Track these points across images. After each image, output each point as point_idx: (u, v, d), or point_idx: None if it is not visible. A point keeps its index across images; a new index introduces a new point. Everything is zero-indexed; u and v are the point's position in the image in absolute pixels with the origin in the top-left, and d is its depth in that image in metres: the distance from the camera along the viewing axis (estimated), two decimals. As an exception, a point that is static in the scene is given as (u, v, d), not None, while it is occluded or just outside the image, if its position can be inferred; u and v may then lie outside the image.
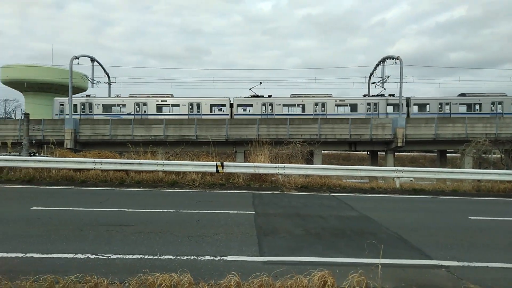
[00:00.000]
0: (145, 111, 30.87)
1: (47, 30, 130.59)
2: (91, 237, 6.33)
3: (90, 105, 31.16)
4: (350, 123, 27.54)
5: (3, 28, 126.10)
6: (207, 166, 13.57)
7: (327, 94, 32.64)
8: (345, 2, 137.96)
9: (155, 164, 13.52)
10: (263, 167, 13.63)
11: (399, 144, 26.97)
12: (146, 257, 5.31)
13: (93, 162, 13.43)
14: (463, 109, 32.47)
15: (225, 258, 5.35)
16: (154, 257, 5.30)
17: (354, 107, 32.16)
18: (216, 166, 13.45)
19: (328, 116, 30.54)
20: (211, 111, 31.53)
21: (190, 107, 31.16)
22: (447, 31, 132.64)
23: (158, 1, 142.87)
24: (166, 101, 31.51)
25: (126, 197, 10.70)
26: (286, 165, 14.06)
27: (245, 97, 32.33)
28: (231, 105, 31.64)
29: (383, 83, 32.38)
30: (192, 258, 5.32)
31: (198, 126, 27.13)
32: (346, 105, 32.64)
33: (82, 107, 31.02)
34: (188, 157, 15.93)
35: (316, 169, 14.70)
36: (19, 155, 15.96)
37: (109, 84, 33.27)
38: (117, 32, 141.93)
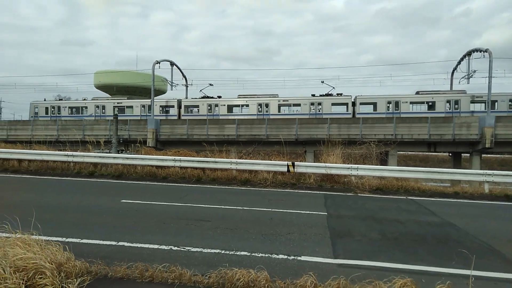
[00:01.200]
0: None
1: (133, 38, 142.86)
2: (173, 230, 6.79)
3: (59, 108, 34.98)
4: (429, 122, 25.68)
5: (96, 38, 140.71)
6: (278, 165, 13.70)
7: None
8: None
9: (229, 162, 14.02)
10: (335, 167, 13.35)
11: (487, 145, 24.43)
12: (223, 252, 5.54)
13: (173, 160, 14.37)
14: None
15: (299, 258, 5.37)
16: (231, 253, 5.51)
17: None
18: (287, 165, 13.51)
19: (402, 115, 28.79)
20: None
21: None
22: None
23: (232, 5, 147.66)
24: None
25: (203, 193, 11.25)
26: (359, 166, 13.60)
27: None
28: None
29: (468, 78, 29.59)
30: (267, 256, 5.42)
31: (268, 126, 27.48)
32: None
33: (52, 109, 35.20)
34: (260, 156, 16.24)
35: (392, 171, 13.98)
36: (109, 152, 17.70)
37: (186, 86, 35.25)
38: (194, 36, 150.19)
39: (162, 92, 44.85)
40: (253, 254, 5.47)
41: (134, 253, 5.39)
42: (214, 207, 9.02)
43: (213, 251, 5.57)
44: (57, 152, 15.93)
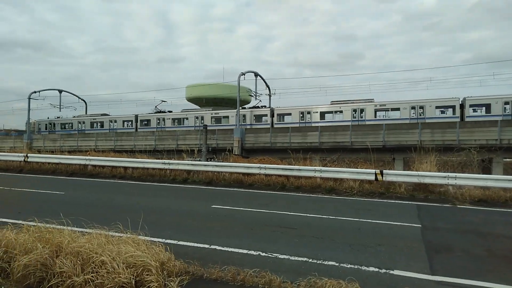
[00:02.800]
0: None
1: (220, 52, 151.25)
2: (260, 236, 6.98)
3: (53, 124, 42.21)
4: (546, 125, 22.23)
5: (188, 54, 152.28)
6: (365, 173, 13.19)
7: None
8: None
9: (313, 170, 13.93)
10: (429, 176, 12.38)
11: None
12: (310, 260, 5.53)
13: (258, 168, 14.79)
14: None
15: (391, 271, 5.10)
16: (318, 262, 5.47)
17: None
18: (375, 173, 12.94)
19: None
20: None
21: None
22: None
23: (314, 12, 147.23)
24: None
25: (287, 201, 11.35)
26: (457, 174, 12.41)
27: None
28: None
29: None
30: (356, 267, 5.27)
31: (353, 132, 26.61)
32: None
33: (50, 125, 42.18)
34: (345, 164, 15.83)
35: (499, 181, 12.43)
36: (199, 160, 18.92)
37: (270, 96, 36.04)
38: (276, 46, 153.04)
39: (247, 102, 46.50)
40: (342, 264, 5.35)
41: (225, 256, 5.67)
42: (299, 214, 9.04)
43: (300, 259, 5.59)
44: (156, 160, 17.56)
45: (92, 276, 4.00)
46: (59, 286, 4.04)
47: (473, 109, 27.35)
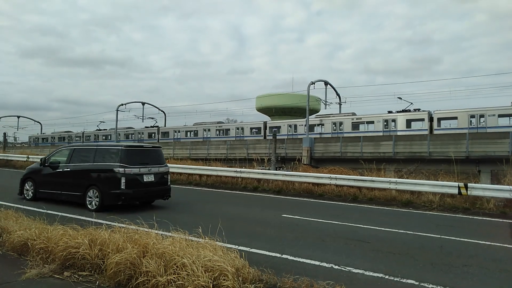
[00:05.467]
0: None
1: (290, 62, 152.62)
2: (332, 248, 6.84)
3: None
4: None
5: (258, 65, 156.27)
6: (447, 186, 12.22)
7: None
8: None
9: (387, 182, 13.29)
10: (525, 191, 11.05)
11: None
12: (386, 277, 5.28)
13: (328, 178, 14.53)
14: None
15: (481, 296, 4.66)
16: (395, 279, 5.20)
17: None
18: (458, 187, 11.92)
19: None
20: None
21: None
22: None
23: (389, 17, 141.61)
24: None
25: (360, 213, 10.96)
26: (560, 190, 10.90)
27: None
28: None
29: None
30: (438, 287, 4.90)
31: (431, 142, 24.85)
32: None
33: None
34: (423, 175, 14.82)
35: None
36: (269, 169, 19.15)
37: (340, 104, 35.35)
38: (348, 54, 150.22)
39: (316, 111, 46.11)
40: (422, 284, 5.02)
41: (297, 266, 5.66)
42: (373, 228, 8.67)
43: (376, 274, 5.36)
44: (228, 168, 18.20)
45: (174, 277, 4.28)
46: (145, 284, 4.38)
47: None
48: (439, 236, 7.94)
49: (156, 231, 5.54)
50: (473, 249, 6.96)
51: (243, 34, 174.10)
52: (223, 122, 42.82)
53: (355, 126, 32.16)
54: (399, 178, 14.02)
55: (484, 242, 7.43)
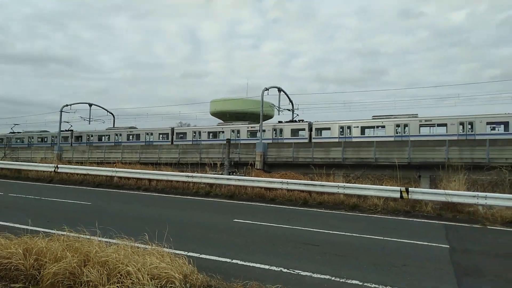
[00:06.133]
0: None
1: (245, 68, 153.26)
2: (282, 252, 6.93)
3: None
4: None
5: (214, 70, 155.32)
6: (390, 190, 12.91)
7: None
8: None
9: (336, 186, 13.76)
10: (458, 195, 11.97)
11: None
12: (333, 278, 5.44)
13: (280, 182, 14.75)
14: None
15: (418, 293, 4.95)
16: (341, 280, 5.38)
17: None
18: (400, 191, 12.64)
19: None
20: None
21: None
22: None
23: (340, 29, 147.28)
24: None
25: (310, 217, 11.24)
26: (488, 194, 11.95)
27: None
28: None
29: None
30: (381, 287, 5.14)
31: (378, 149, 26.18)
32: None
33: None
34: (369, 180, 15.55)
35: (533, 201, 11.87)
36: (222, 174, 19.06)
37: (293, 111, 36.12)
38: (302, 62, 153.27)
39: (269, 117, 46.70)
40: (365, 284, 5.24)
41: (247, 271, 5.66)
42: (322, 231, 8.93)
43: (322, 276, 5.51)
44: (179, 173, 17.83)
45: (117, 286, 4.08)
46: (85, 295, 4.14)
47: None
48: (382, 237, 8.35)
49: (99, 239, 5.28)
50: (412, 249, 7.41)
51: (199, 38, 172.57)
52: (135, 127, 43.08)
53: (253, 133, 34.50)
54: (347, 183, 14.58)
55: (421, 243, 7.93)
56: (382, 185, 14.00)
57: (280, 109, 34.69)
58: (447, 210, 11.96)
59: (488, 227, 10.27)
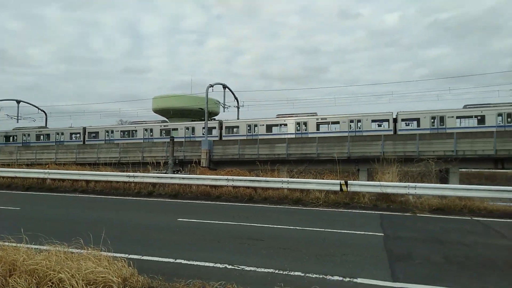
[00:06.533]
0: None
1: (190, 64, 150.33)
2: (227, 249, 6.93)
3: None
4: (495, 137, 23.83)
5: (156, 65, 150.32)
6: (331, 184, 13.48)
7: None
8: (483, 2, 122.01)
9: (280, 181, 14.06)
10: (391, 186, 12.84)
11: None
12: (276, 271, 5.55)
13: (226, 179, 14.73)
14: None
15: (355, 280, 5.22)
16: (284, 272, 5.50)
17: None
18: (340, 184, 13.25)
19: (447, 131, 27.02)
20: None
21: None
22: None
23: (284, 27, 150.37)
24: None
25: (255, 212, 11.37)
26: (417, 184, 12.96)
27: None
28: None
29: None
30: (321, 277, 5.34)
31: (319, 144, 27.20)
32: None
33: None
34: (311, 175, 16.09)
35: (455, 190, 13.12)
36: (166, 173, 18.59)
37: (238, 108, 36.25)
38: (247, 59, 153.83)
39: (215, 114, 46.39)
40: (307, 274, 5.41)
41: (191, 270, 5.58)
42: (267, 226, 9.08)
43: (267, 270, 5.60)
44: (120, 173, 17.06)
45: (48, 295, 3.81)
46: (12, 307, 3.81)
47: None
48: (323, 229, 8.69)
49: (28, 246, 4.87)
50: (350, 239, 7.80)
51: (140, 33, 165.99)
52: (45, 127, 41.78)
53: (167, 132, 35.24)
54: (290, 177, 14.98)
55: (359, 232, 8.39)
56: (323, 179, 14.57)
57: (226, 106, 34.67)
58: (382, 200, 12.77)
59: (418, 214, 11.14)
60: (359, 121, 30.18)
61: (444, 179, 20.99)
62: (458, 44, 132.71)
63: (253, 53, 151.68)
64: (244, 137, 31.59)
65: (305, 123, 31.43)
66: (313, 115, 31.77)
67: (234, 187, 14.44)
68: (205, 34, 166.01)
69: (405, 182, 13.45)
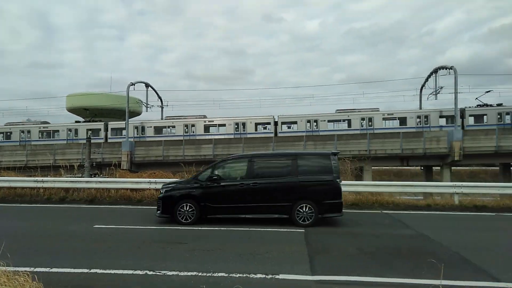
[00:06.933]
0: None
1: (109, 60, 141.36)
2: (148, 254, 6.62)
3: None
4: (402, 137, 26.52)
5: (71, 61, 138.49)
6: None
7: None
8: (393, 14, 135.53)
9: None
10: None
11: (456, 158, 25.44)
12: (200, 274, 5.44)
13: (148, 182, 14.10)
14: None
15: (277, 276, 5.34)
16: (208, 274, 5.42)
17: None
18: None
19: (375, 131, 29.69)
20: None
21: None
22: (503, 36, 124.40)
23: (209, 27, 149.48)
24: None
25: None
26: (335, 182, 13.77)
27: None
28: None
29: (436, 94, 30.99)
30: (245, 276, 5.37)
31: (245, 145, 27.59)
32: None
33: None
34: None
35: (367, 186, 14.25)
36: (81, 176, 17.22)
37: (162, 107, 35.11)
38: (171, 58, 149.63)
39: (137, 114, 44.32)
40: (231, 274, 5.40)
41: (108, 279, 5.22)
42: (191, 228, 8.88)
43: (190, 273, 5.46)
44: (25, 178, 15.35)
45: None
46: None
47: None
48: (248, 228, 8.76)
49: None
50: (274, 236, 8.00)
51: (51, 24, 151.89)
52: None
53: (47, 134, 34.54)
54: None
55: (282, 229, 8.63)
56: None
57: (149, 106, 33.36)
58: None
59: (335, 210, 11.82)
60: (243, 124, 32.08)
61: (359, 177, 22.72)
62: (371, 52, 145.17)
63: (178, 51, 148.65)
64: (132, 139, 30.99)
65: (193, 125, 32.49)
66: (201, 118, 33.08)
67: (157, 189, 13.87)
68: (126, 29, 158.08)
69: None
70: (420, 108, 33.24)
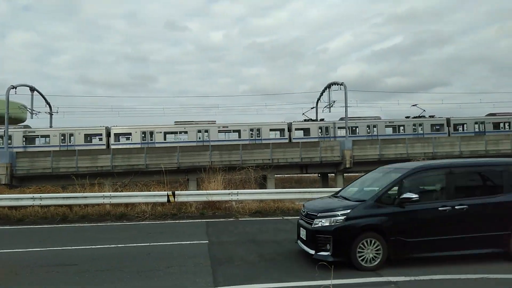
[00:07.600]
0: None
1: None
2: (29, 281, 5.78)
3: None
4: (301, 147, 28.30)
5: None
6: (158, 196, 13.11)
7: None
8: (293, 32, 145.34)
9: (101, 196, 12.80)
10: (216, 194, 13.44)
11: (347, 165, 28.08)
12: (91, 298, 4.93)
13: (31, 198, 12.42)
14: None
15: (178, 292, 5.12)
16: (100, 298, 4.94)
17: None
18: (168, 195, 13.04)
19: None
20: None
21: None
22: (382, 59, 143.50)
23: (108, 30, 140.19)
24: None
25: (70, 234, 9.96)
26: (239, 190, 13.96)
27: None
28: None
29: (329, 107, 33.98)
30: (142, 295, 5.03)
31: (148, 155, 26.40)
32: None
33: None
34: (137, 187, 15.31)
35: (270, 193, 14.78)
36: None
37: (51, 114, 31.64)
38: (64, 60, 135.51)
39: (21, 120, 39.12)
40: (127, 295, 5.00)
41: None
42: (83, 248, 8.06)
43: (78, 299, 4.90)
44: None
45: None
46: None
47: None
48: (148, 244, 8.32)
49: None
50: (176, 250, 7.71)
51: None
52: None
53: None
54: (113, 191, 13.85)
55: (185, 242, 8.39)
56: (150, 190, 14.07)
57: (34, 112, 29.71)
58: (209, 208, 13.21)
59: (240, 219, 11.98)
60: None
61: (262, 185, 23.50)
62: (271, 65, 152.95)
63: (71, 54, 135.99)
64: (57, 148, 28.93)
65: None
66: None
67: (42, 206, 12.31)
68: (7, 26, 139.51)
69: (228, 189, 14.30)
70: (317, 119, 36.04)
